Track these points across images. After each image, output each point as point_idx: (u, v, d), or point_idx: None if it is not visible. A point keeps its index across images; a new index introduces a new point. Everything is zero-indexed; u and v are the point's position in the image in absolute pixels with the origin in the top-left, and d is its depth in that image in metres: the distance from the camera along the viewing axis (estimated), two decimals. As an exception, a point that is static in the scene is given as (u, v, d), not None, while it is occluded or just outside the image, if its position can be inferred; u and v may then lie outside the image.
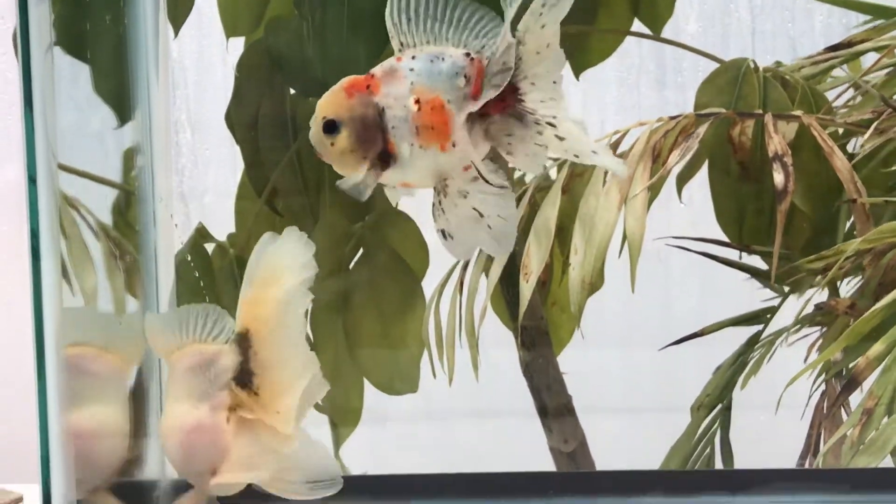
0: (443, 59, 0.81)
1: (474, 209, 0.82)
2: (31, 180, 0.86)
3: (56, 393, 0.85)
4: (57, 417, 0.84)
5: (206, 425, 0.93)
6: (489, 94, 0.80)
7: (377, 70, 0.82)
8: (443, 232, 0.84)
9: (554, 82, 0.80)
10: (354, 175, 0.82)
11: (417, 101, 0.80)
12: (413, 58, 0.81)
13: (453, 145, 0.81)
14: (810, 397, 1.17)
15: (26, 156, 0.86)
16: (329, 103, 0.81)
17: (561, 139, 0.80)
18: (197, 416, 0.93)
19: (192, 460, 0.94)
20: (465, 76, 0.81)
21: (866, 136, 1.11)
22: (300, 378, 0.91)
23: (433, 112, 0.80)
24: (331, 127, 0.81)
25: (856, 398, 1.07)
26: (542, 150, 0.81)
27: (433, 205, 0.84)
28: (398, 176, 0.82)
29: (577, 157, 0.81)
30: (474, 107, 0.80)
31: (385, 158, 0.82)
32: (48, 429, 0.84)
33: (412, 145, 0.81)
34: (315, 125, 0.81)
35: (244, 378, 0.92)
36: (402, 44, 0.82)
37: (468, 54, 0.81)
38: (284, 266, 0.92)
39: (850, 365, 1.08)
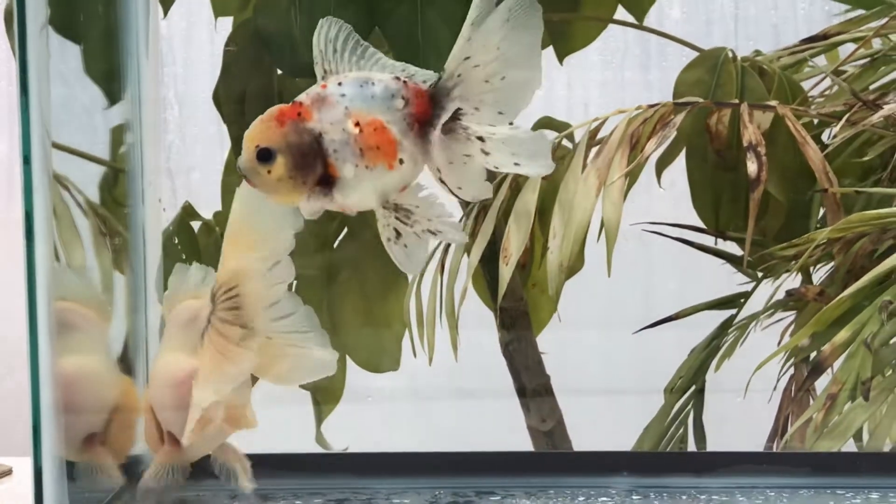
0: (372, 83, 0.83)
1: (427, 228, 0.85)
2: (26, 160, 0.86)
3: (48, 368, 0.86)
4: (49, 392, 0.86)
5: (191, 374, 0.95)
6: (448, 112, 0.82)
7: (303, 98, 0.83)
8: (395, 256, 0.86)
9: (500, 113, 0.83)
10: (298, 202, 0.84)
11: (357, 124, 0.82)
12: (340, 84, 0.83)
13: (401, 162, 0.83)
14: (778, 381, 1.19)
15: (21, 136, 0.86)
16: (261, 132, 0.82)
17: (486, 153, 0.83)
18: (185, 366, 0.95)
19: (177, 409, 0.96)
20: (403, 97, 0.83)
21: (838, 127, 1.13)
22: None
23: (376, 133, 0.82)
24: (266, 155, 0.81)
25: (823, 382, 1.10)
26: (474, 167, 0.83)
27: (382, 226, 0.85)
28: (340, 198, 0.83)
29: (497, 168, 0.84)
30: (431, 126, 0.83)
31: (326, 182, 0.83)
32: (39, 403, 0.85)
33: (356, 166, 0.82)
34: (247, 154, 0.82)
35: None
36: (325, 71, 0.84)
37: (397, 78, 0.84)
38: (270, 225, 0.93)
39: (817, 351, 1.10)
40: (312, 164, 0.82)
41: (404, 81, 0.84)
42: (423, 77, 0.85)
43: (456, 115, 0.83)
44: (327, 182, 0.83)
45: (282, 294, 0.95)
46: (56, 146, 0.93)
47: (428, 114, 0.83)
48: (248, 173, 0.82)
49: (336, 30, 0.84)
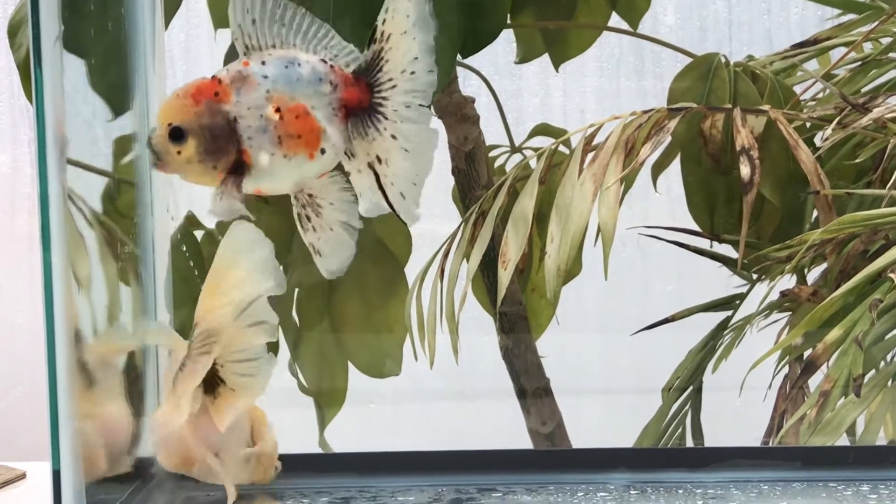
0: (298, 64, 0.78)
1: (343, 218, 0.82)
2: (42, 176, 0.83)
3: (66, 378, 0.85)
4: (67, 400, 0.85)
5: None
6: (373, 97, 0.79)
7: (223, 75, 0.78)
8: (312, 246, 0.83)
9: (407, 106, 0.79)
10: (209, 185, 0.80)
11: (278, 110, 0.78)
12: (263, 63, 0.78)
13: (322, 152, 0.79)
14: (773, 380, 1.21)
15: (38, 151, 0.83)
16: (174, 109, 0.78)
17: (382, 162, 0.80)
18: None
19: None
20: (331, 82, 0.78)
21: (829, 130, 1.15)
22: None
23: (297, 120, 0.78)
24: (177, 134, 0.78)
25: (817, 379, 1.11)
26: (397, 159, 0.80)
27: (297, 215, 0.82)
28: (253, 184, 0.79)
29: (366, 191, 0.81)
30: (359, 112, 0.79)
31: (239, 168, 0.79)
32: (58, 412, 0.85)
33: (273, 154, 0.78)
34: (159, 130, 0.78)
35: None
36: (247, 47, 0.79)
37: (324, 60, 0.79)
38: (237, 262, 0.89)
39: (810, 349, 1.12)
40: (224, 149, 0.78)
41: (331, 65, 0.79)
42: (346, 55, 0.80)
43: (375, 103, 0.79)
44: (240, 168, 0.79)
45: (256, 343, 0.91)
46: (72, 162, 0.92)
47: (356, 99, 0.79)
48: (158, 151, 0.78)
49: None
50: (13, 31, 1.24)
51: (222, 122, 0.78)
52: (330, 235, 0.83)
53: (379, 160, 0.81)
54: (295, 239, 1.32)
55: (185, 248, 1.28)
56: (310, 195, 0.81)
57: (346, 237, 0.84)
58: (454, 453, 1.06)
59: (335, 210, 0.82)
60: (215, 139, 0.78)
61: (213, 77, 0.79)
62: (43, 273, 0.85)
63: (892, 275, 1.03)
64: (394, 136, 0.81)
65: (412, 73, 0.79)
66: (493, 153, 1.38)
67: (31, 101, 1.18)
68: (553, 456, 1.15)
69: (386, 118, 0.80)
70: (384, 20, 0.79)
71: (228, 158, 0.79)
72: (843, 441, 1.07)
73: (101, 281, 1.08)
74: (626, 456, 1.04)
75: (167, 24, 1.26)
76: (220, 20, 1.30)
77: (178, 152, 0.78)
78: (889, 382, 1.05)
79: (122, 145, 1.15)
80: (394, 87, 0.80)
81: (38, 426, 0.96)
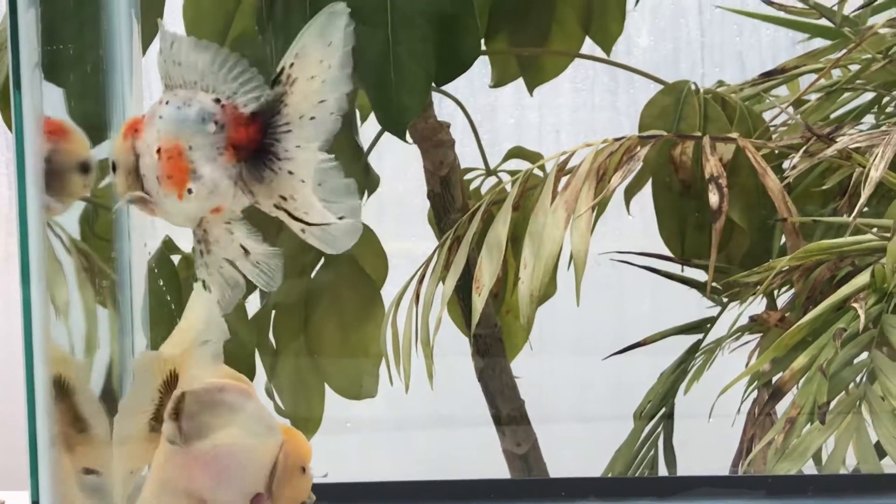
0: (189, 104, 0.79)
1: (241, 246, 0.81)
2: (22, 206, 0.85)
3: (45, 406, 0.86)
4: (46, 429, 0.86)
5: None
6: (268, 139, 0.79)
7: (147, 112, 0.81)
8: (203, 283, 0.83)
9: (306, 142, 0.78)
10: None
11: (159, 150, 0.80)
12: (167, 103, 0.80)
13: (189, 192, 0.79)
14: (741, 405, 1.23)
15: (17, 182, 0.85)
16: (116, 141, 0.83)
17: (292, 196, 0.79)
18: None
19: None
20: (216, 122, 0.79)
21: (796, 158, 1.17)
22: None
23: (170, 161, 0.79)
24: (113, 165, 0.83)
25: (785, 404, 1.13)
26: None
27: (194, 251, 0.83)
28: (163, 217, 0.82)
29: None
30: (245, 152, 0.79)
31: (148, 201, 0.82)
32: (37, 441, 0.85)
33: (157, 193, 0.81)
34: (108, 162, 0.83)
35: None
36: (165, 85, 0.81)
37: (218, 100, 0.79)
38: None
39: (776, 376, 1.14)
40: (136, 185, 0.81)
41: (223, 104, 0.78)
42: (248, 95, 0.79)
43: (267, 143, 0.79)
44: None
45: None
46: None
47: (244, 139, 0.79)
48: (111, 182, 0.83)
49: (170, 42, 0.79)
50: (-8, 56, 1.25)
51: (133, 158, 0.81)
52: (220, 272, 0.83)
53: (283, 198, 0.80)
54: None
55: (158, 273, 1.28)
56: (204, 230, 0.83)
57: (236, 277, 0.83)
58: (429, 483, 1.07)
59: (221, 249, 0.82)
60: (130, 174, 0.82)
61: (142, 115, 0.82)
62: (22, 305, 0.86)
63: (855, 304, 1.05)
64: (290, 172, 0.80)
65: (311, 118, 0.79)
66: (468, 176, 1.39)
67: (9, 127, 1.19)
68: (525, 485, 1.16)
69: (279, 158, 0.79)
70: (291, 63, 0.78)
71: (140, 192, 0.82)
72: (810, 467, 1.08)
73: (79, 307, 1.09)
74: (597, 484, 1.05)
75: (144, 49, 1.27)
76: (197, 45, 1.31)
77: (114, 181, 0.83)
78: (853, 409, 1.06)
79: (100, 169, 1.16)
80: (288, 132, 0.79)
81: (11, 448, 0.96)
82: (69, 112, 1.08)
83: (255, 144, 0.79)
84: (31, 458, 0.86)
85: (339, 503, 1.06)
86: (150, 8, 1.19)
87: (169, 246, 1.33)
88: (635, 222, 1.34)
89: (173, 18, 1.30)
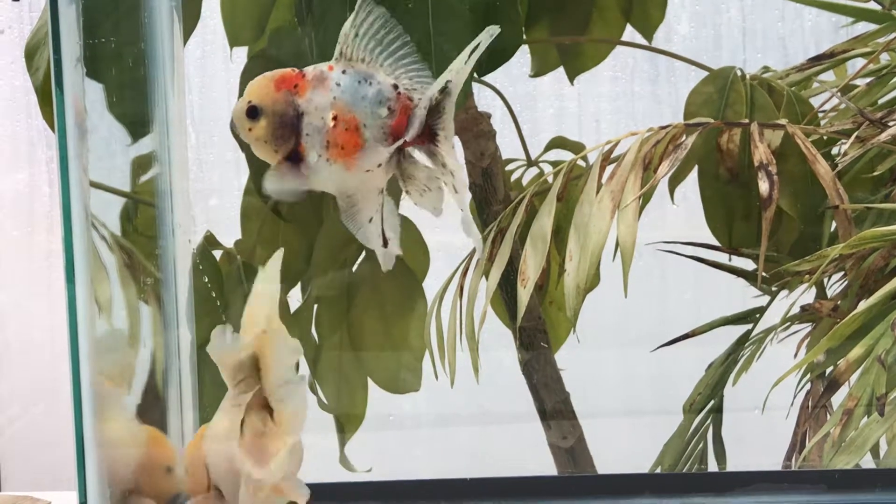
0: (370, 83, 0.84)
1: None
2: (65, 200, 0.87)
3: (90, 403, 0.86)
4: (92, 427, 0.86)
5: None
6: (415, 131, 0.83)
7: (309, 72, 0.84)
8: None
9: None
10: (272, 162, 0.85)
11: (335, 118, 0.83)
12: (343, 72, 0.84)
13: (359, 168, 0.84)
14: (795, 397, 1.21)
15: (60, 175, 0.87)
16: (258, 89, 0.84)
17: (447, 187, 0.84)
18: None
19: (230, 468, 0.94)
20: (390, 108, 0.84)
21: (847, 144, 1.14)
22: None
23: (346, 132, 0.83)
24: (253, 113, 0.84)
25: (840, 397, 1.11)
26: (437, 192, 0.85)
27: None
28: (304, 177, 0.85)
29: (434, 210, 0.85)
30: (400, 140, 0.83)
31: (295, 158, 0.85)
32: (83, 438, 0.85)
33: (320, 156, 0.84)
34: (240, 104, 0.84)
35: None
36: (341, 52, 0.84)
37: (396, 87, 0.84)
38: None
39: (832, 367, 1.12)
40: (287, 138, 0.84)
41: (399, 92, 0.84)
42: (417, 92, 0.84)
43: (436, 141, 0.84)
44: (297, 158, 0.85)
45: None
46: (94, 185, 0.95)
47: (403, 129, 0.84)
48: (235, 122, 0.85)
49: (366, 14, 0.84)
50: (30, 54, 1.24)
51: (292, 113, 0.84)
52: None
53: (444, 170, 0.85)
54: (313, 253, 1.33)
55: (202, 267, 1.28)
56: (349, 196, 0.87)
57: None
58: (475, 481, 1.05)
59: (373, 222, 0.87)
60: (283, 126, 0.84)
61: (301, 71, 0.85)
62: (67, 303, 0.86)
63: (913, 293, 1.03)
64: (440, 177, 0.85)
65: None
66: (509, 167, 1.38)
67: (49, 124, 1.18)
68: (576, 481, 1.15)
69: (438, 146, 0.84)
70: (452, 77, 0.82)
71: (288, 146, 0.84)
72: (868, 460, 1.06)
73: (122, 303, 1.08)
74: (651, 481, 1.03)
75: (185, 41, 1.26)
76: (234, 38, 1.30)
77: (250, 129, 0.84)
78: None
79: (141, 164, 1.15)
80: (445, 138, 0.84)
81: (57, 445, 0.96)
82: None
83: (420, 141, 0.84)
84: (77, 458, 0.86)
85: (382, 501, 1.05)
86: (190, 1, 1.18)
87: (210, 241, 1.32)
88: (678, 211, 1.32)
89: (211, 10, 1.29)
